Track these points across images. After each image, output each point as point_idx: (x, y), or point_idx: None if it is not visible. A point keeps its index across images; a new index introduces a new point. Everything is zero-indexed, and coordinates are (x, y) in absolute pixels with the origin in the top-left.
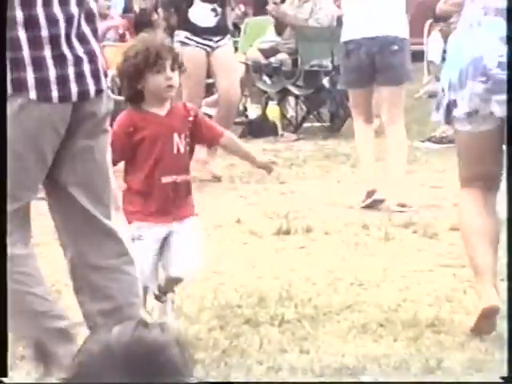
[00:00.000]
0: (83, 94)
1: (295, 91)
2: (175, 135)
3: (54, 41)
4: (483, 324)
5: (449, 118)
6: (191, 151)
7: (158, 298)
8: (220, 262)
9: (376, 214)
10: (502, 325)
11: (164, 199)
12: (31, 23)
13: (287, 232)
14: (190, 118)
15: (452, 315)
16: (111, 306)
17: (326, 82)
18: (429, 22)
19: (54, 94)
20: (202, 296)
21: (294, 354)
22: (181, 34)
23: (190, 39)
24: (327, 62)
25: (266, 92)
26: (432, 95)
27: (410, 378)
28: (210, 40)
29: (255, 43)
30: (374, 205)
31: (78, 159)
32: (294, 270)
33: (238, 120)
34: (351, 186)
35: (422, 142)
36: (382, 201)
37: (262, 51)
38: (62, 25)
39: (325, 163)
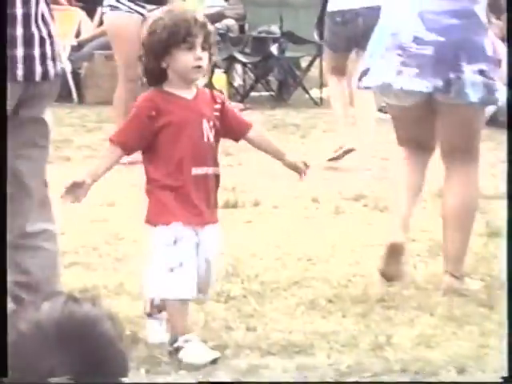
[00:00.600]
0: (44, 75)
1: (242, 59)
2: (204, 121)
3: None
4: (388, 263)
5: (360, 84)
6: (217, 143)
7: (149, 314)
8: None
9: (326, 187)
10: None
11: (196, 195)
12: None
13: (234, 205)
14: (217, 106)
15: (402, 290)
16: (27, 280)
17: (274, 49)
18: None
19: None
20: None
21: (240, 332)
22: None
23: (121, 3)
24: (276, 28)
25: None
26: None
27: (360, 354)
28: (143, 7)
29: (200, 8)
30: (343, 155)
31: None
32: (241, 245)
33: None
34: (301, 157)
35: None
36: (351, 150)
37: (208, 16)
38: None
39: (273, 134)
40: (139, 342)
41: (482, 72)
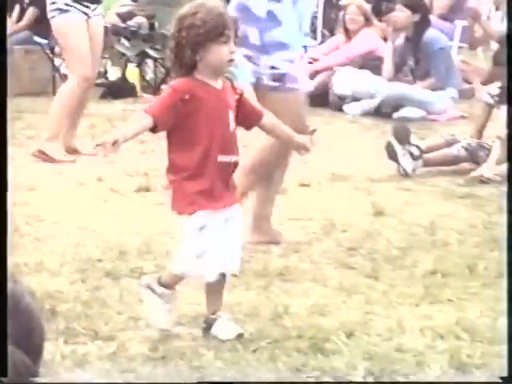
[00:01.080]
0: None
1: (153, 54)
2: (230, 111)
3: None
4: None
5: None
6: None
7: (154, 290)
8: (82, 219)
9: None
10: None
11: (221, 181)
12: None
13: (147, 189)
14: (236, 97)
15: (299, 264)
16: None
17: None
18: None
19: None
20: (64, 251)
21: None
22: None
23: (70, 5)
24: None
25: (125, 54)
26: None
27: (261, 323)
28: (88, 7)
29: (113, 7)
30: None
31: None
32: (153, 225)
33: (98, 82)
34: None
35: None
36: None
37: (120, 15)
38: None
39: None
40: (58, 315)
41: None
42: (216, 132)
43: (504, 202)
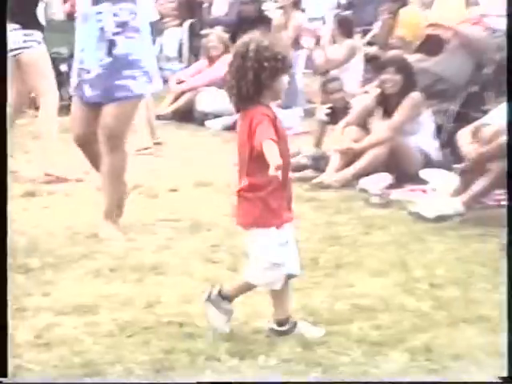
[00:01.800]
0: None
1: None
2: None
3: None
4: None
5: None
6: None
7: (219, 306)
8: None
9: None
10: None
11: (289, 196)
12: None
13: (33, 194)
14: None
15: (169, 259)
16: None
17: (64, 67)
18: None
19: None
20: None
21: (38, 297)
22: (36, 34)
23: (28, 41)
24: (64, 50)
25: None
26: None
27: (136, 311)
28: (42, 35)
29: None
30: None
31: None
32: (39, 226)
33: None
34: None
35: None
36: None
37: None
38: None
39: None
40: None
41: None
42: (283, 149)
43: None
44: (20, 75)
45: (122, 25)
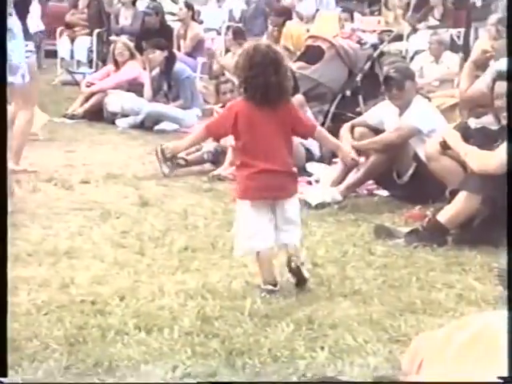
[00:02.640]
0: None
1: None
2: None
3: None
4: None
5: None
6: None
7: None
8: None
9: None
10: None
11: None
12: None
13: None
14: None
15: (82, 245)
16: None
17: None
18: (60, 28)
19: None
20: None
21: None
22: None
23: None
24: None
25: None
26: (64, 83)
27: (51, 292)
28: None
29: None
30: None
31: None
32: None
33: None
34: None
35: (59, 118)
36: None
37: None
38: None
39: None
40: None
41: None
42: None
43: None
44: None
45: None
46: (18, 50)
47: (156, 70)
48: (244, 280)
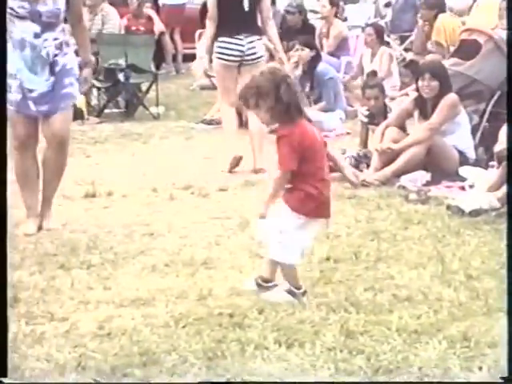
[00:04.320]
0: None
1: (97, 84)
2: None
3: None
4: None
5: None
6: None
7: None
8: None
9: (162, 179)
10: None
11: None
12: None
13: (93, 195)
14: None
15: (219, 255)
16: None
17: (121, 76)
18: (199, 31)
19: None
20: (25, 247)
21: (99, 291)
22: None
23: None
24: (122, 61)
25: None
26: (203, 88)
27: (189, 303)
28: None
29: None
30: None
31: None
32: (99, 225)
33: None
34: (143, 157)
35: (196, 123)
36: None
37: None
38: None
39: (122, 141)
40: (20, 300)
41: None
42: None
43: None
44: None
45: (60, 45)
46: (75, 60)
47: (298, 70)
48: (390, 293)
